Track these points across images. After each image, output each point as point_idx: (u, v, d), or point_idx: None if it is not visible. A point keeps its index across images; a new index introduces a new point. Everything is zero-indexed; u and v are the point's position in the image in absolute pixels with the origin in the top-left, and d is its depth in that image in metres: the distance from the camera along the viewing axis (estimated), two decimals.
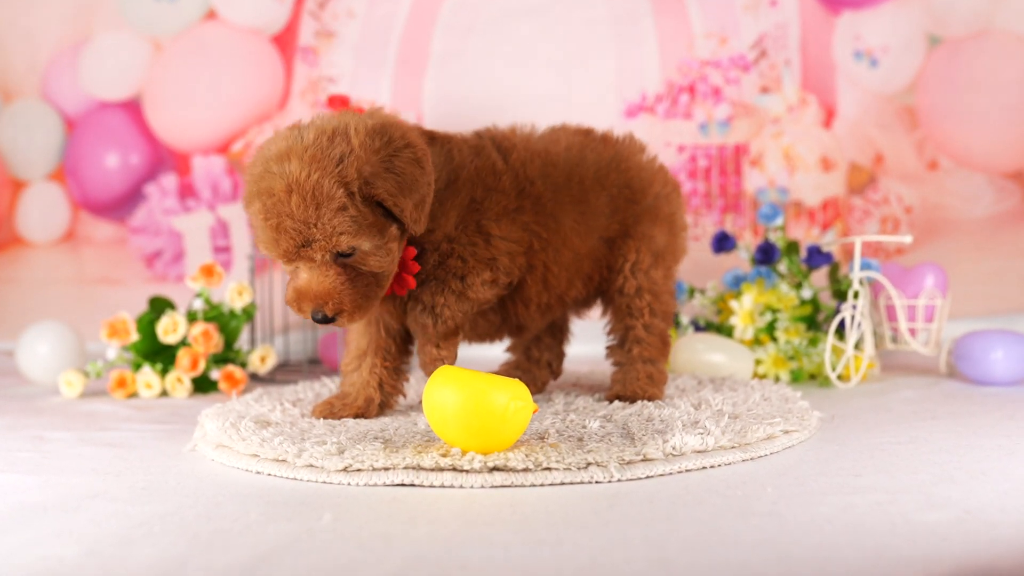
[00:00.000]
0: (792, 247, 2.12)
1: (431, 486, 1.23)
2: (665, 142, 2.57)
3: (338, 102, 2.21)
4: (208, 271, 2.03)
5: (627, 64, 2.60)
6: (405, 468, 1.25)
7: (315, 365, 2.38)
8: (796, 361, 2.00)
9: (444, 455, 1.26)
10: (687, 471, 1.28)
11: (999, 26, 2.57)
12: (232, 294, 2.05)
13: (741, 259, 2.20)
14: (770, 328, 2.03)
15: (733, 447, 1.35)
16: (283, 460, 1.32)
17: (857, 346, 1.98)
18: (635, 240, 1.68)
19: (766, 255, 2.09)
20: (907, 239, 1.98)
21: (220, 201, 2.63)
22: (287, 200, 1.35)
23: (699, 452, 1.31)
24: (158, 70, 2.66)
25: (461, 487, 1.22)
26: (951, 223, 2.59)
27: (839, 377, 1.97)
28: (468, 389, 1.26)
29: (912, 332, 2.04)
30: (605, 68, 2.61)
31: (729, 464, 1.32)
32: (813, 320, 2.07)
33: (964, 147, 2.58)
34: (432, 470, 1.24)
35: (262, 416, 1.53)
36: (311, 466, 1.29)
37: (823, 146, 2.56)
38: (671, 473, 1.27)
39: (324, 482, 1.26)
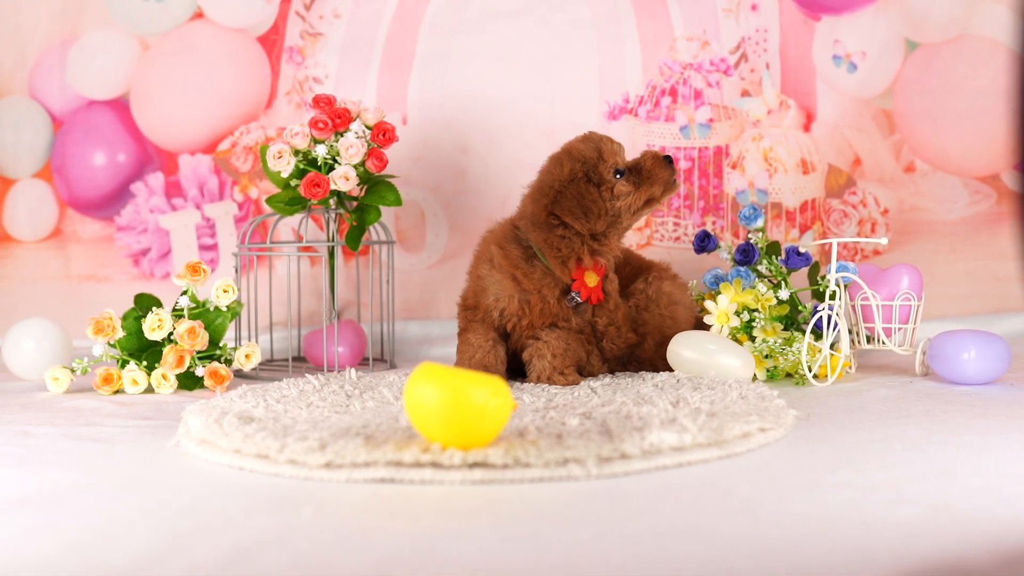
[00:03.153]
0: (773, 248, 2.15)
1: (411, 482, 1.25)
2: (647, 144, 2.59)
3: (324, 102, 2.22)
4: (194, 268, 2.05)
5: (609, 66, 2.63)
6: (386, 464, 1.27)
7: (299, 362, 2.40)
8: (772, 360, 2.02)
9: (424, 451, 1.28)
10: (664, 468, 1.30)
11: (975, 31, 2.60)
12: (217, 291, 2.06)
13: (722, 259, 2.22)
14: (748, 327, 2.05)
15: (710, 444, 1.37)
16: (265, 456, 1.33)
17: (833, 346, 2.01)
18: None
19: (746, 256, 2.11)
20: (883, 241, 2.01)
21: (207, 200, 2.65)
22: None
23: (676, 449, 1.34)
24: (145, 69, 2.67)
25: (441, 483, 1.24)
26: (927, 225, 2.63)
27: (815, 376, 2.00)
28: (448, 386, 1.28)
29: (887, 332, 2.07)
30: (588, 70, 2.63)
31: (705, 461, 1.34)
32: (792, 320, 2.09)
33: (940, 151, 2.62)
34: (412, 466, 1.26)
35: (245, 412, 1.55)
36: (293, 461, 1.30)
37: (802, 149, 2.59)
38: (648, 470, 1.29)
39: (306, 478, 1.28)
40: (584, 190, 1.89)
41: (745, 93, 2.61)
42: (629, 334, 2.02)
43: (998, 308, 2.58)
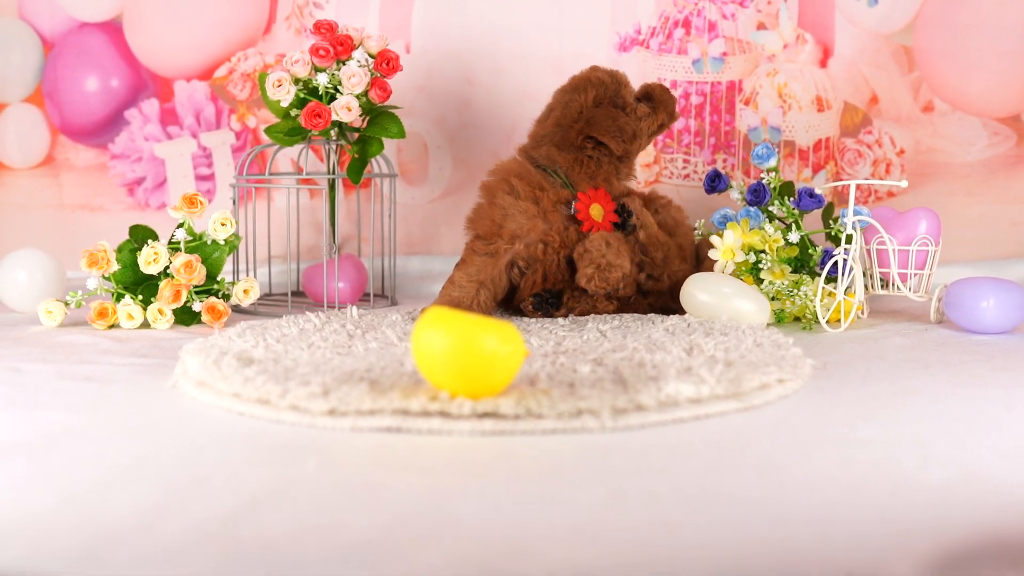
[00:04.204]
0: (786, 188, 2.09)
1: (419, 431, 1.20)
2: (658, 78, 2.51)
3: (325, 28, 2.14)
4: (191, 201, 1.99)
5: None
6: (392, 412, 1.22)
7: (299, 297, 2.35)
8: (780, 303, 1.97)
9: (432, 399, 1.23)
10: (681, 421, 1.26)
11: None
12: (215, 224, 2.00)
13: (732, 199, 2.16)
14: (755, 269, 2.00)
15: (728, 396, 1.32)
16: (266, 401, 1.28)
17: (846, 291, 1.96)
18: None
19: (757, 196, 2.06)
20: (903, 183, 1.95)
21: (203, 128, 2.57)
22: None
23: (693, 401, 1.29)
24: None
25: (450, 433, 1.19)
26: (943, 167, 2.55)
27: (827, 321, 1.95)
28: (456, 332, 1.22)
29: (903, 278, 2.02)
30: None
31: (723, 414, 1.29)
32: (803, 263, 2.04)
33: (960, 90, 2.53)
34: (420, 415, 1.21)
35: (245, 353, 1.50)
36: (295, 407, 1.25)
37: (818, 86, 2.52)
38: (664, 423, 1.24)
39: (309, 424, 1.23)
40: (616, 113, 1.99)
41: (761, 26, 2.52)
42: (684, 264, 2.06)
43: (1012, 253, 2.52)
